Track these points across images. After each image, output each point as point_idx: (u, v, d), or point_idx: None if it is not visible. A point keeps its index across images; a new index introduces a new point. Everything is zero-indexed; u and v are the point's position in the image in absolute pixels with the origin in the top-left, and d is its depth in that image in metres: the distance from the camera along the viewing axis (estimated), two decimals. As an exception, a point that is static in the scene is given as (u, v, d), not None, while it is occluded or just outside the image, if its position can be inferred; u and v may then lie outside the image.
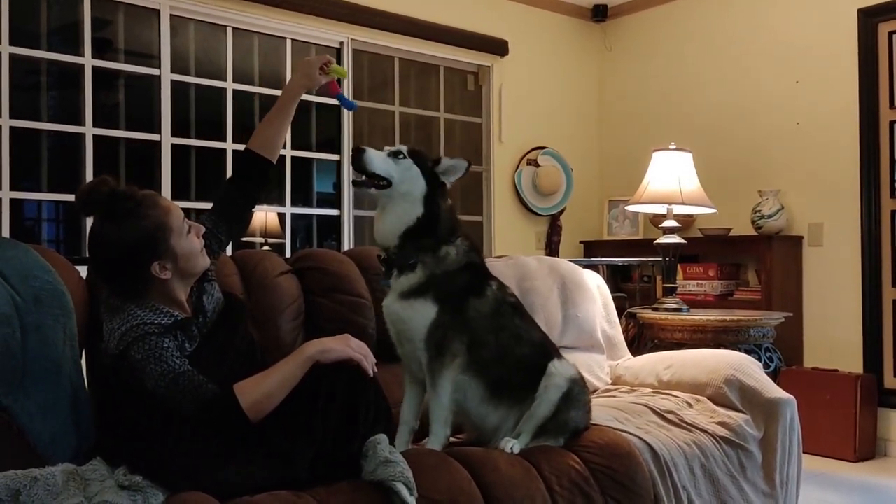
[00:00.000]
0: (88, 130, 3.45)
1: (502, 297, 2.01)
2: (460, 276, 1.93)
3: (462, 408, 1.94)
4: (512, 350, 1.96)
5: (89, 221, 3.36)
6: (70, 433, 1.68)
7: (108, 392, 1.71)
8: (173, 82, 3.67)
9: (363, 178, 1.89)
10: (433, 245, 1.91)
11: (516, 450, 1.89)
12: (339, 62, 4.21)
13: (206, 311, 1.76)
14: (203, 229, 1.77)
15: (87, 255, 1.74)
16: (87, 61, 3.45)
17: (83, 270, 1.95)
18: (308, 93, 2.03)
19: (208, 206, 1.97)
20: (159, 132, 3.63)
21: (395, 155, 1.91)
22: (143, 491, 1.45)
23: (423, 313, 1.88)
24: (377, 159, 1.88)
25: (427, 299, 1.88)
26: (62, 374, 1.69)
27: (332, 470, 1.61)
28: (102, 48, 3.68)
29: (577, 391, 1.99)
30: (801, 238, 4.25)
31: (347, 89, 4.16)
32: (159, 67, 3.63)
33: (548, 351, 2.04)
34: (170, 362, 1.58)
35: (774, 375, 3.22)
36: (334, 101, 4.13)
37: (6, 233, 3.22)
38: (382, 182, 1.88)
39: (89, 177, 3.42)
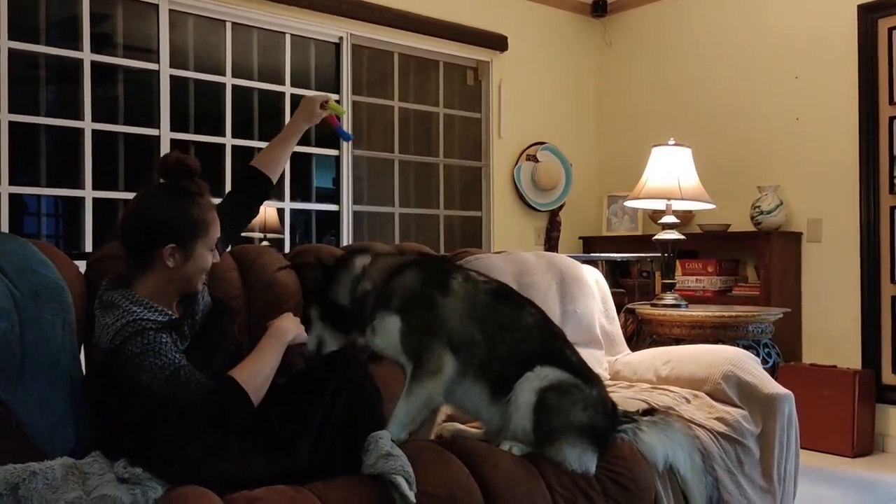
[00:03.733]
0: (87, 125, 3.44)
1: (473, 287, 1.91)
2: (409, 274, 1.88)
3: (472, 413, 1.90)
4: (505, 342, 1.85)
5: (89, 217, 3.33)
6: (69, 427, 1.68)
7: (100, 389, 1.71)
8: (172, 77, 3.67)
9: None
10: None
11: (516, 452, 1.82)
12: (338, 57, 4.22)
13: (196, 313, 1.79)
14: (218, 260, 1.82)
15: (124, 215, 1.78)
16: (87, 56, 3.45)
17: (82, 265, 1.95)
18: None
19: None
20: (158, 127, 3.62)
21: None
22: (141, 484, 1.46)
23: (390, 328, 1.82)
24: None
25: (383, 313, 1.84)
26: (61, 369, 1.70)
27: (331, 462, 1.62)
28: (101, 43, 3.67)
29: (555, 396, 1.80)
30: (800, 234, 4.25)
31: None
32: (158, 62, 3.62)
33: (544, 335, 1.92)
34: (169, 356, 1.61)
35: (773, 371, 3.23)
36: (334, 97, 4.18)
37: (5, 227, 3.21)
38: None
39: (88, 172, 3.42)
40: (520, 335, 1.89)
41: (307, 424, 1.61)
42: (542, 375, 1.83)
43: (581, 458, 1.83)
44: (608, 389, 2.61)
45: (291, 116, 2.16)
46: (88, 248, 3.39)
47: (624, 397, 2.43)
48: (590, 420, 1.85)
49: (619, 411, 2.02)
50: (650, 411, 2.11)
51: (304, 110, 2.12)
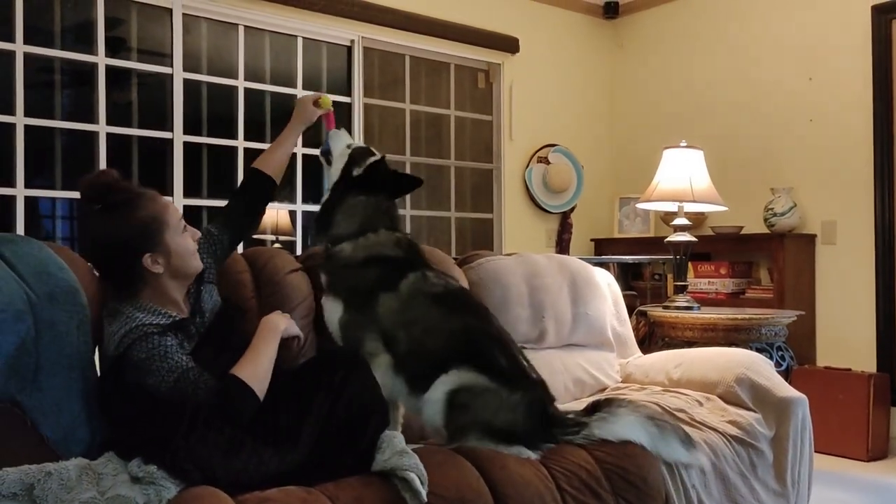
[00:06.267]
0: (102, 128, 3.47)
1: (420, 287, 1.94)
2: (364, 271, 1.94)
3: (398, 401, 1.96)
4: (424, 344, 1.89)
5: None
6: (83, 428, 1.70)
7: (108, 395, 1.73)
8: (186, 80, 3.69)
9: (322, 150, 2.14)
10: (323, 239, 2.02)
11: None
12: (349, 60, 4.23)
13: (204, 311, 1.81)
14: (198, 234, 1.84)
15: (82, 250, 1.82)
16: (101, 60, 3.47)
17: (96, 267, 1.97)
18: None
19: (220, 203, 2.02)
20: (171, 130, 3.65)
21: (348, 146, 2.10)
22: (155, 484, 1.47)
23: (332, 311, 1.95)
24: (334, 138, 2.11)
25: (331, 297, 1.96)
26: (75, 370, 1.71)
27: (338, 459, 1.63)
28: (115, 47, 3.70)
29: (464, 398, 1.82)
30: (814, 236, 4.22)
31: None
32: (172, 66, 3.65)
33: (474, 339, 1.92)
34: (175, 358, 1.63)
35: (786, 374, 3.21)
36: (346, 100, 4.20)
37: (21, 230, 3.25)
38: (328, 157, 2.11)
39: (102, 174, 3.45)
40: (442, 339, 1.90)
41: (310, 413, 1.62)
42: (456, 378, 1.84)
43: None
44: (620, 392, 2.63)
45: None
46: (102, 250, 3.41)
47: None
48: (503, 423, 1.84)
49: (560, 417, 1.98)
50: (594, 407, 2.02)
51: (299, 111, 2.16)
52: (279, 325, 1.82)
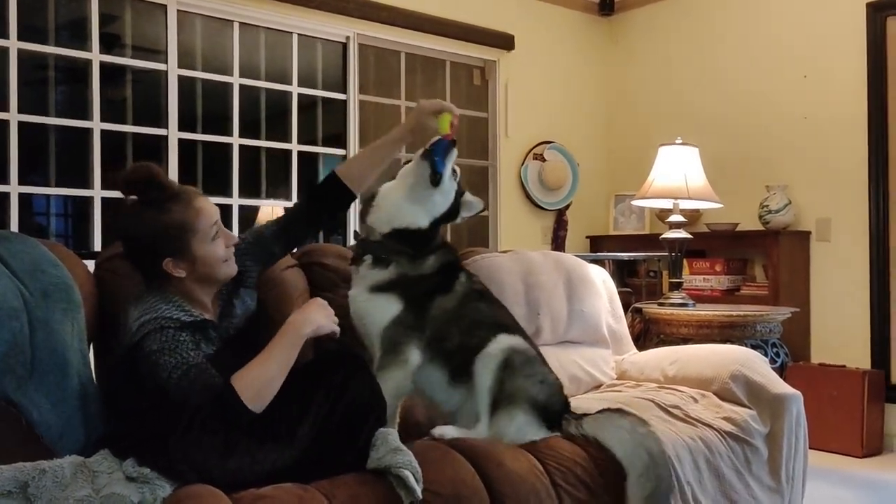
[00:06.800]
0: (96, 125, 3.46)
1: (469, 286, 2.01)
2: (432, 278, 1.95)
3: (426, 393, 1.98)
4: (472, 335, 1.94)
5: (98, 217, 3.36)
6: (78, 426, 1.69)
7: (119, 384, 1.72)
8: (180, 77, 3.68)
9: (430, 161, 1.89)
10: (411, 255, 1.93)
11: (448, 435, 1.87)
12: (345, 57, 4.22)
13: (235, 315, 1.76)
14: (235, 239, 1.75)
15: (115, 237, 1.76)
16: (95, 56, 3.46)
17: (91, 265, 1.96)
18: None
19: (214, 200, 1.97)
20: (166, 127, 3.64)
21: (453, 172, 1.98)
22: (150, 483, 1.46)
23: (385, 308, 1.88)
24: (450, 163, 1.93)
25: (392, 295, 1.89)
26: (70, 368, 1.70)
27: (335, 458, 1.63)
28: (110, 43, 3.69)
29: (520, 360, 1.92)
30: (808, 233, 4.24)
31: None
32: (166, 62, 3.64)
33: (506, 328, 2.01)
34: (184, 354, 1.59)
35: (781, 371, 3.22)
36: (341, 97, 4.20)
37: (14, 227, 3.24)
38: (437, 177, 1.89)
39: (97, 171, 3.44)
40: (487, 329, 1.96)
41: (307, 411, 1.60)
42: (508, 340, 1.94)
43: (527, 430, 1.91)
44: (615, 388, 2.64)
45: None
46: (97, 247, 3.41)
47: (631, 396, 2.44)
48: (545, 398, 1.95)
49: (570, 404, 2.09)
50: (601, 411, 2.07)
51: (413, 120, 1.92)
52: (304, 326, 1.66)
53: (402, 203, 1.93)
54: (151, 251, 1.66)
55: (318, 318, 1.69)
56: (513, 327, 2.04)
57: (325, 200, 1.91)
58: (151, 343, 1.59)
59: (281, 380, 1.61)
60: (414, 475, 1.57)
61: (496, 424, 1.90)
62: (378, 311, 1.89)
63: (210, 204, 1.72)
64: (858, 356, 4.01)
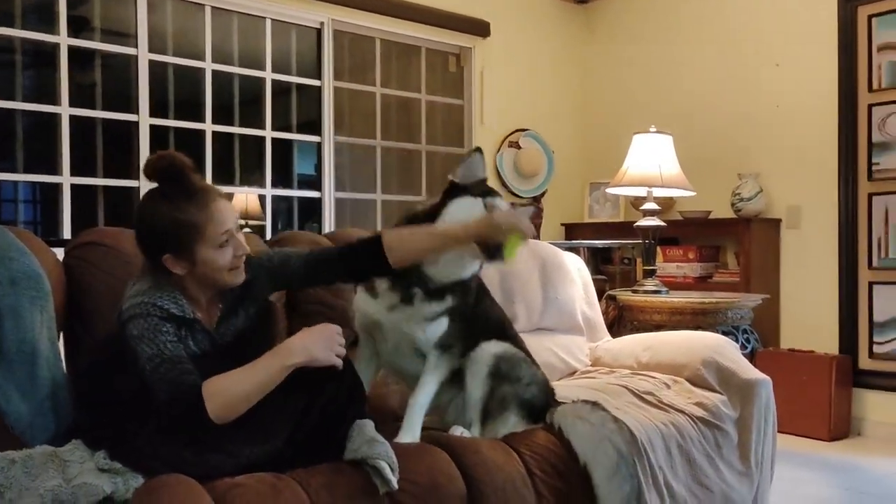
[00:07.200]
0: (65, 110, 3.40)
1: (480, 284, 2.09)
2: (474, 296, 2.04)
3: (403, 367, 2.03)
4: (483, 328, 2.03)
5: (67, 204, 3.30)
6: (48, 415, 1.67)
7: (97, 372, 1.68)
8: (151, 62, 3.62)
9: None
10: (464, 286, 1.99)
11: (468, 434, 1.93)
12: (319, 43, 4.18)
13: (236, 322, 1.71)
14: (246, 250, 1.67)
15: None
16: (63, 40, 3.39)
17: (60, 252, 1.93)
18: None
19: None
20: (137, 113, 3.58)
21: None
22: (123, 474, 1.45)
23: (438, 328, 1.94)
24: None
25: (444, 318, 1.95)
26: (39, 357, 1.68)
27: (312, 451, 1.62)
28: (78, 27, 3.61)
29: (506, 367, 1.98)
30: (779, 221, 4.29)
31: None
32: (137, 47, 3.58)
33: (500, 329, 2.10)
34: (161, 346, 1.54)
35: (751, 357, 3.27)
36: (315, 83, 4.16)
37: (-19, 214, 3.17)
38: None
39: (66, 158, 3.38)
40: (487, 322, 2.07)
41: (287, 409, 1.59)
42: (497, 346, 2.02)
43: (518, 429, 1.99)
44: (589, 375, 2.66)
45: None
46: (67, 235, 3.35)
47: (604, 383, 2.46)
48: (532, 397, 2.03)
49: (555, 394, 2.16)
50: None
51: (484, 227, 1.81)
52: (296, 355, 1.57)
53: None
54: (155, 243, 1.62)
55: (315, 349, 1.59)
56: (506, 326, 2.13)
57: (361, 266, 1.81)
58: (133, 328, 1.55)
59: (254, 400, 1.54)
60: (390, 465, 1.57)
61: (490, 431, 1.96)
62: (433, 331, 1.94)
63: (228, 210, 1.64)
64: (827, 342, 4.08)
